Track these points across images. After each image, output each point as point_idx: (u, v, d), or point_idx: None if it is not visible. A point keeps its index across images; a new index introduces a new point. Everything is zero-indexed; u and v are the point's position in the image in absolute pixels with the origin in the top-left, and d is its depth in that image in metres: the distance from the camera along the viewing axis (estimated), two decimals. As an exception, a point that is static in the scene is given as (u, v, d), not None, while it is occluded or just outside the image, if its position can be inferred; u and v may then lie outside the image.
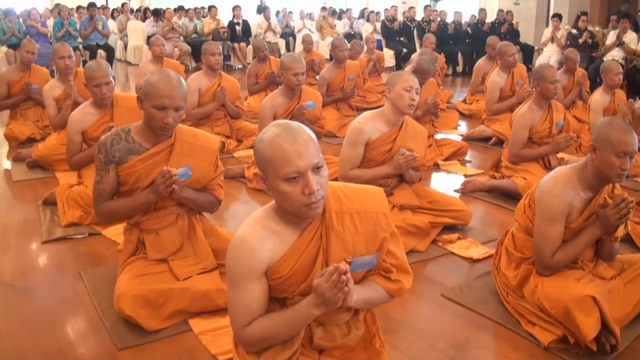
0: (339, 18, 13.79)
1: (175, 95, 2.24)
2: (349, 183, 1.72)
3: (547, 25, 10.57)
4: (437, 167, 4.69)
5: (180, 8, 12.07)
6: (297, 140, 1.45)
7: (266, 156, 1.47)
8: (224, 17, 12.07)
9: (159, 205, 2.43)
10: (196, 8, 12.41)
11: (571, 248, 2.29)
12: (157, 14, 11.45)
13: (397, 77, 3.06)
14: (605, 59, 8.05)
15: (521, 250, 2.48)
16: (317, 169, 1.47)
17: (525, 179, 3.77)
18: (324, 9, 13.51)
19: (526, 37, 11.73)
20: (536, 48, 10.87)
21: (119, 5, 13.29)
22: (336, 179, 3.10)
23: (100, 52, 10.23)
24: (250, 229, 1.57)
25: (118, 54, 12.13)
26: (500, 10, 11.77)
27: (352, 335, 1.71)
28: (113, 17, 12.81)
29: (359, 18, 14.06)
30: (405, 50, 11.29)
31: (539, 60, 9.42)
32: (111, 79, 3.37)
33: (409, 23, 11.85)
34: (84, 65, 3.72)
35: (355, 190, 1.65)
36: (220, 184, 2.55)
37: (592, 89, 5.75)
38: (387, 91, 3.08)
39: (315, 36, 12.51)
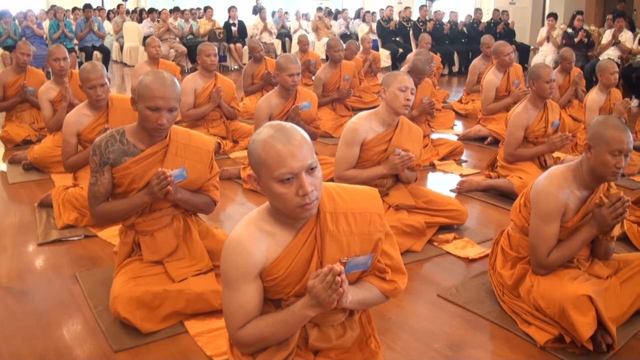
0: (335, 18, 13.78)
1: (169, 96, 2.24)
2: (344, 184, 1.72)
3: (542, 25, 10.59)
4: (433, 167, 4.69)
5: (176, 9, 12.07)
6: (291, 141, 1.45)
7: (260, 157, 1.47)
8: (220, 18, 12.06)
9: (154, 206, 2.43)
10: (192, 9, 12.41)
11: (567, 247, 2.29)
12: (153, 12, 11.44)
13: (392, 78, 3.06)
14: (601, 58, 8.07)
15: (517, 249, 2.49)
16: (311, 169, 1.47)
17: (521, 178, 3.77)
18: (319, 9, 13.52)
19: (522, 36, 11.76)
20: (532, 47, 10.88)
21: (115, 7, 13.26)
22: (332, 180, 3.11)
23: (96, 53, 10.20)
24: (245, 230, 1.57)
25: (114, 55, 12.11)
26: (496, 10, 11.80)
27: (348, 336, 1.71)
28: (109, 19, 12.81)
29: (354, 18, 14.06)
30: (401, 50, 11.29)
31: (535, 60, 9.44)
32: (106, 80, 3.36)
33: (404, 23, 11.86)
34: (79, 67, 3.71)
35: (349, 191, 1.65)
36: (216, 185, 2.54)
37: (588, 88, 5.77)
38: (382, 91, 3.08)
39: (311, 37, 12.52)
